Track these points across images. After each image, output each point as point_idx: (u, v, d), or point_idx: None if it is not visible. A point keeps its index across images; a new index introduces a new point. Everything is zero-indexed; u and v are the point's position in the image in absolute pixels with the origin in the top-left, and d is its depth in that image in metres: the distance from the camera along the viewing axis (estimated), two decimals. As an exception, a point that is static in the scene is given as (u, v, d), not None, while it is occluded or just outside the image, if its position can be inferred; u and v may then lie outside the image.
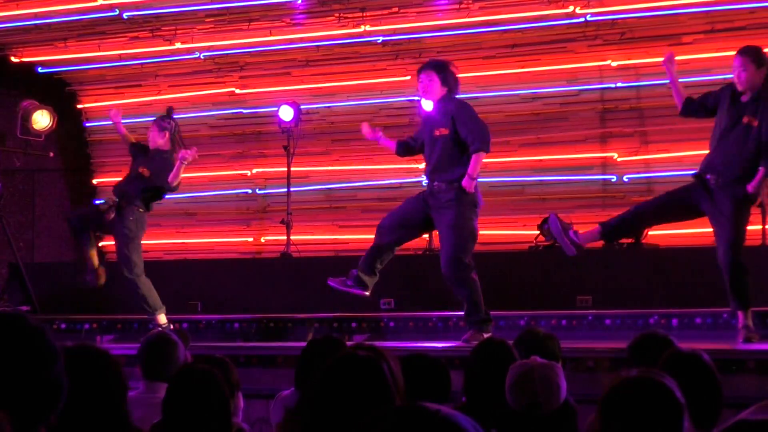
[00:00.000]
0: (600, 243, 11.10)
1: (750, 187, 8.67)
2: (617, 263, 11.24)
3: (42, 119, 13.25)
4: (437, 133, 9.47)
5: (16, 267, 12.94)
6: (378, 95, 14.30)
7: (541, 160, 13.22)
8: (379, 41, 13.84)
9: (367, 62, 14.33)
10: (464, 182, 9.25)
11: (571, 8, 12.92)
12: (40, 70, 14.98)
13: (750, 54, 9.04)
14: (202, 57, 14.56)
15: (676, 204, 9.24)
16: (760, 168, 8.69)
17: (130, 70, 15.06)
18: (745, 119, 8.89)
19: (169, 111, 11.35)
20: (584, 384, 7.29)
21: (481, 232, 9.62)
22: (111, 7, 13.36)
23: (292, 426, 5.17)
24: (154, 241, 15.01)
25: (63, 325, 11.55)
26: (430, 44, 13.88)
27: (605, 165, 13.20)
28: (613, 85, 13.31)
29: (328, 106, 14.53)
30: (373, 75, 14.33)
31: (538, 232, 12.12)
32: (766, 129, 8.81)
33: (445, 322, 10.49)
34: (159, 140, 11.04)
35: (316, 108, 14.52)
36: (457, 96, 9.61)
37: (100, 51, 14.55)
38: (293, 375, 5.60)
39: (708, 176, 8.93)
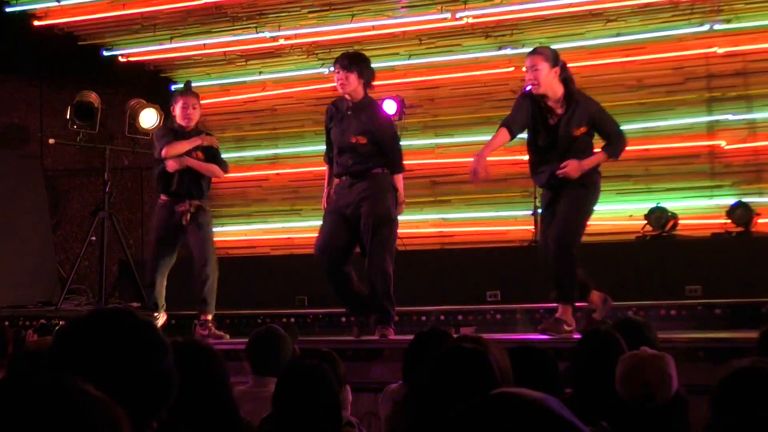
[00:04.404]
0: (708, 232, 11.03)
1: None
2: (726, 252, 11.08)
3: (149, 117, 13.39)
4: None
5: (126, 264, 13.12)
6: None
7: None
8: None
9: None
10: None
11: None
12: (145, 68, 15.10)
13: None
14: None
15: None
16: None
17: (234, 67, 15.11)
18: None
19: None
20: (695, 375, 7.20)
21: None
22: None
23: (401, 419, 5.18)
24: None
25: (173, 321, 11.66)
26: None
27: None
28: None
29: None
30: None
31: (644, 221, 11.95)
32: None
33: (552, 313, 10.40)
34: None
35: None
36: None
37: (205, 49, 14.60)
38: (401, 368, 5.61)
39: None
